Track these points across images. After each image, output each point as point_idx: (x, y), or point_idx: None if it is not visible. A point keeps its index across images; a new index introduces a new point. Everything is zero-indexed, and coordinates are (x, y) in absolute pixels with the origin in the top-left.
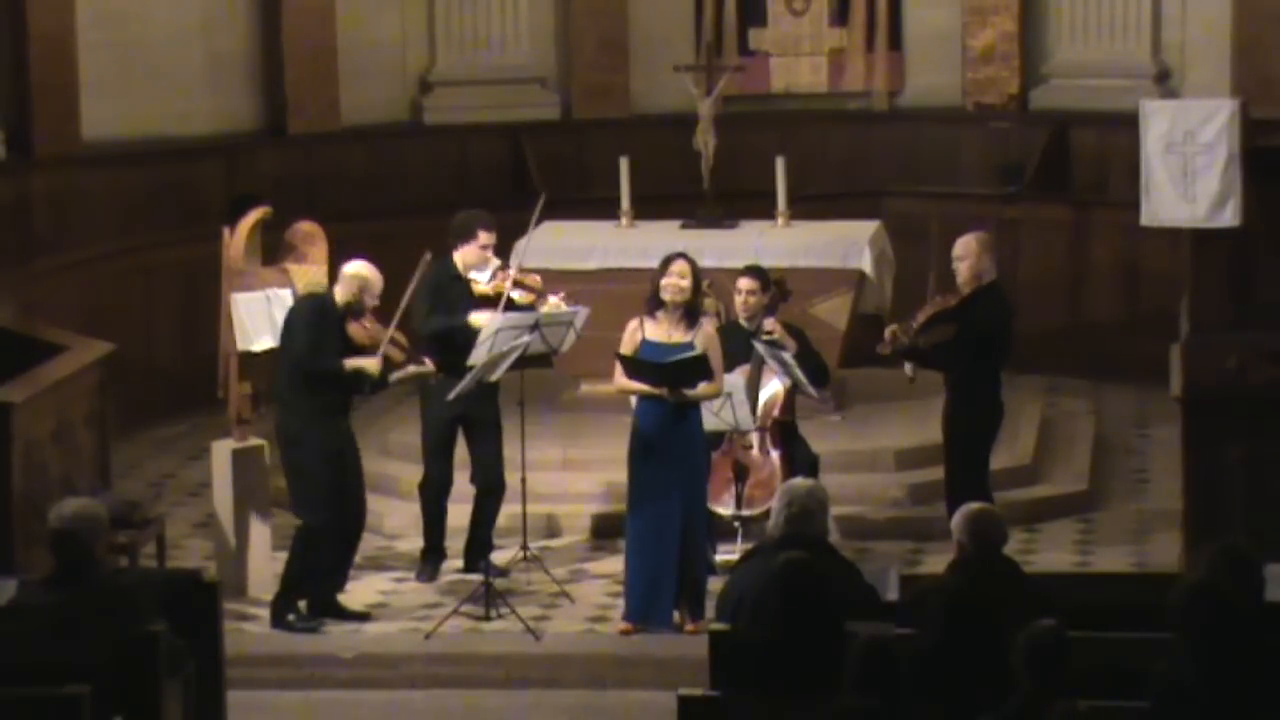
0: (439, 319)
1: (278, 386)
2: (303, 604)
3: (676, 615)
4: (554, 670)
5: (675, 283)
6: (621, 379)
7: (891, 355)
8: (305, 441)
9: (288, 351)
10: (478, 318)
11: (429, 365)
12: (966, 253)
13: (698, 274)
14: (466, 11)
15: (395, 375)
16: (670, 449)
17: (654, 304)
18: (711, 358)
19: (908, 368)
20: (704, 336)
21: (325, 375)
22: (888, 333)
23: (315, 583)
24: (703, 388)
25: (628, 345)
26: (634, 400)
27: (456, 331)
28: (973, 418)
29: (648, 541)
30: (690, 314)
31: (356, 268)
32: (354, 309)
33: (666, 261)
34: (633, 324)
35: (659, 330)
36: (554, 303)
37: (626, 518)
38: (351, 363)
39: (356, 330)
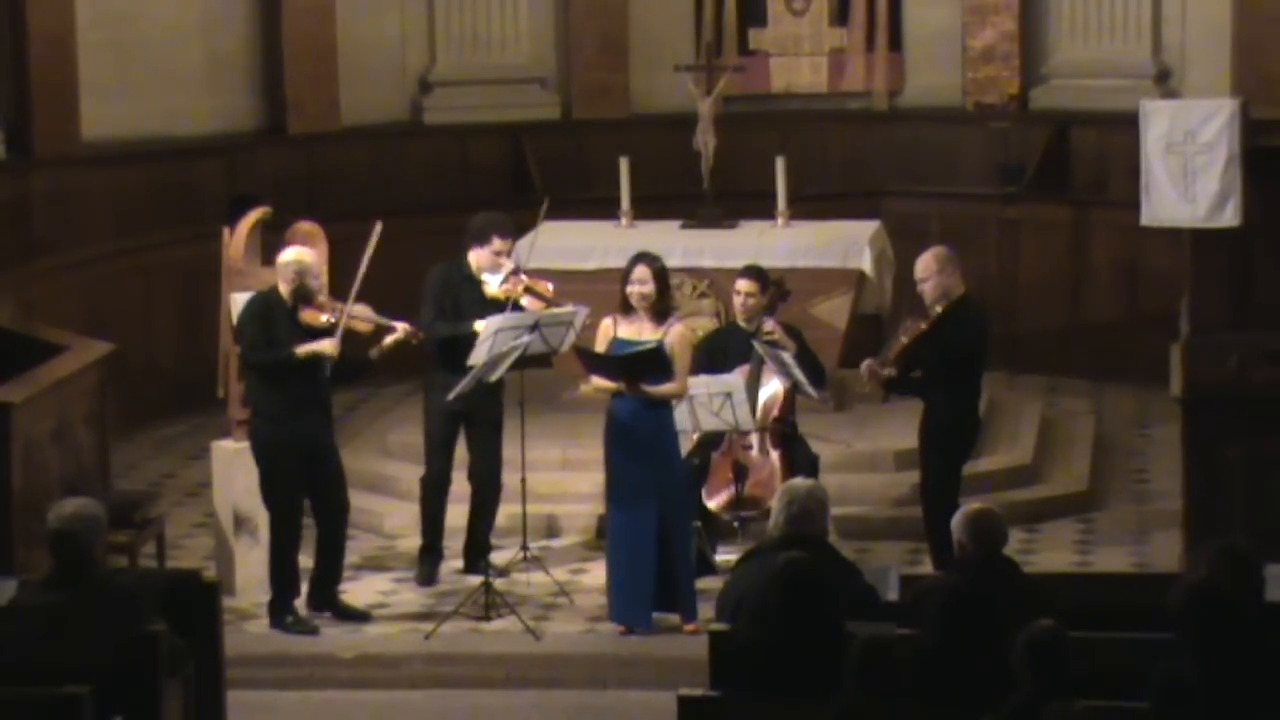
0: (444, 325)
1: (247, 389)
2: (299, 603)
3: (674, 616)
4: (554, 670)
5: (637, 290)
6: (591, 378)
7: (872, 390)
8: (268, 440)
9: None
10: (483, 325)
11: (402, 328)
12: (928, 273)
13: (661, 275)
14: (466, 11)
15: (375, 351)
16: (640, 448)
17: (625, 304)
18: (677, 356)
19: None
20: (674, 335)
21: (276, 366)
22: (864, 369)
23: (298, 582)
24: (665, 387)
25: (601, 343)
26: None
27: (462, 339)
28: (949, 432)
29: (626, 540)
30: (660, 313)
31: (287, 255)
32: (301, 295)
33: (630, 265)
34: (606, 321)
35: (630, 329)
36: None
37: (607, 517)
38: (304, 348)
39: (311, 315)
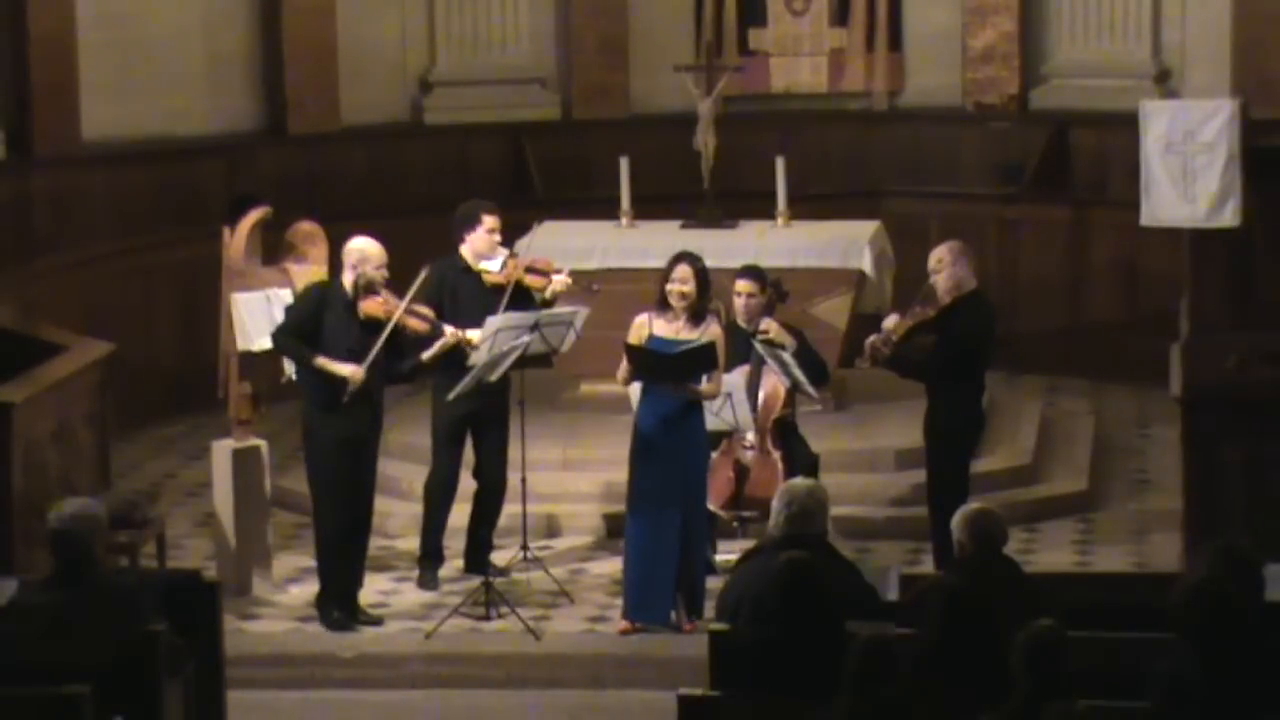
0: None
1: (299, 376)
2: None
3: (674, 615)
4: (554, 670)
5: (678, 289)
6: (623, 372)
7: (871, 367)
8: (314, 431)
9: None
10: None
11: (452, 333)
12: (941, 264)
13: (703, 275)
14: (466, 11)
15: (429, 354)
16: (671, 449)
17: (663, 303)
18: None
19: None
20: (711, 335)
21: (295, 358)
22: (867, 345)
23: (334, 580)
24: (703, 387)
25: (635, 340)
26: (635, 400)
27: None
28: (953, 427)
29: (647, 540)
30: (697, 314)
31: (352, 243)
32: (362, 285)
33: (671, 264)
34: (641, 318)
35: (667, 327)
36: (559, 280)
37: (626, 516)
38: (323, 361)
39: (371, 306)
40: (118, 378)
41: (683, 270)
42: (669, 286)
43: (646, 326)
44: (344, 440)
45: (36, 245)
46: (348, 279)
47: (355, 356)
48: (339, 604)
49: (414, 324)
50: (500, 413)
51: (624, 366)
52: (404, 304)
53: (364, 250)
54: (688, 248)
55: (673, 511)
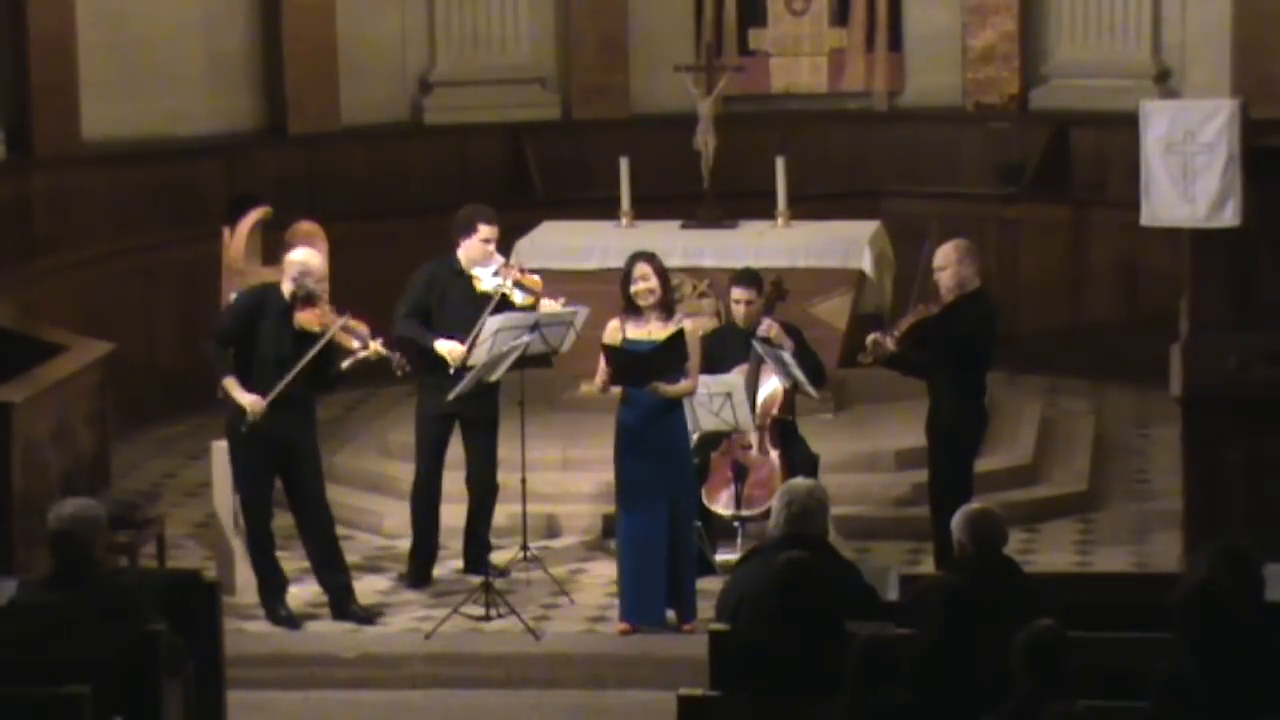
0: (411, 325)
1: None
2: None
3: (672, 615)
4: (554, 670)
5: (643, 288)
6: (597, 380)
7: (872, 364)
8: (241, 433)
9: None
10: (444, 345)
11: (375, 348)
12: (946, 262)
13: (661, 270)
14: (466, 11)
15: (347, 362)
16: (656, 446)
17: (629, 307)
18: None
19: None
20: (680, 325)
21: (209, 360)
22: (869, 342)
23: (281, 574)
24: (679, 385)
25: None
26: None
27: (424, 350)
28: (956, 426)
29: (638, 541)
30: (667, 310)
31: (294, 254)
32: (301, 296)
33: (629, 266)
34: (613, 324)
35: (639, 329)
36: (548, 305)
37: (616, 516)
38: (230, 383)
39: (306, 318)
40: (118, 378)
41: (643, 269)
42: (634, 289)
43: (619, 332)
44: (268, 444)
45: (36, 245)
46: (286, 288)
47: (283, 365)
48: (279, 599)
49: (347, 341)
50: (488, 415)
51: (601, 373)
52: (339, 321)
53: (305, 264)
54: (688, 248)
55: (660, 509)
